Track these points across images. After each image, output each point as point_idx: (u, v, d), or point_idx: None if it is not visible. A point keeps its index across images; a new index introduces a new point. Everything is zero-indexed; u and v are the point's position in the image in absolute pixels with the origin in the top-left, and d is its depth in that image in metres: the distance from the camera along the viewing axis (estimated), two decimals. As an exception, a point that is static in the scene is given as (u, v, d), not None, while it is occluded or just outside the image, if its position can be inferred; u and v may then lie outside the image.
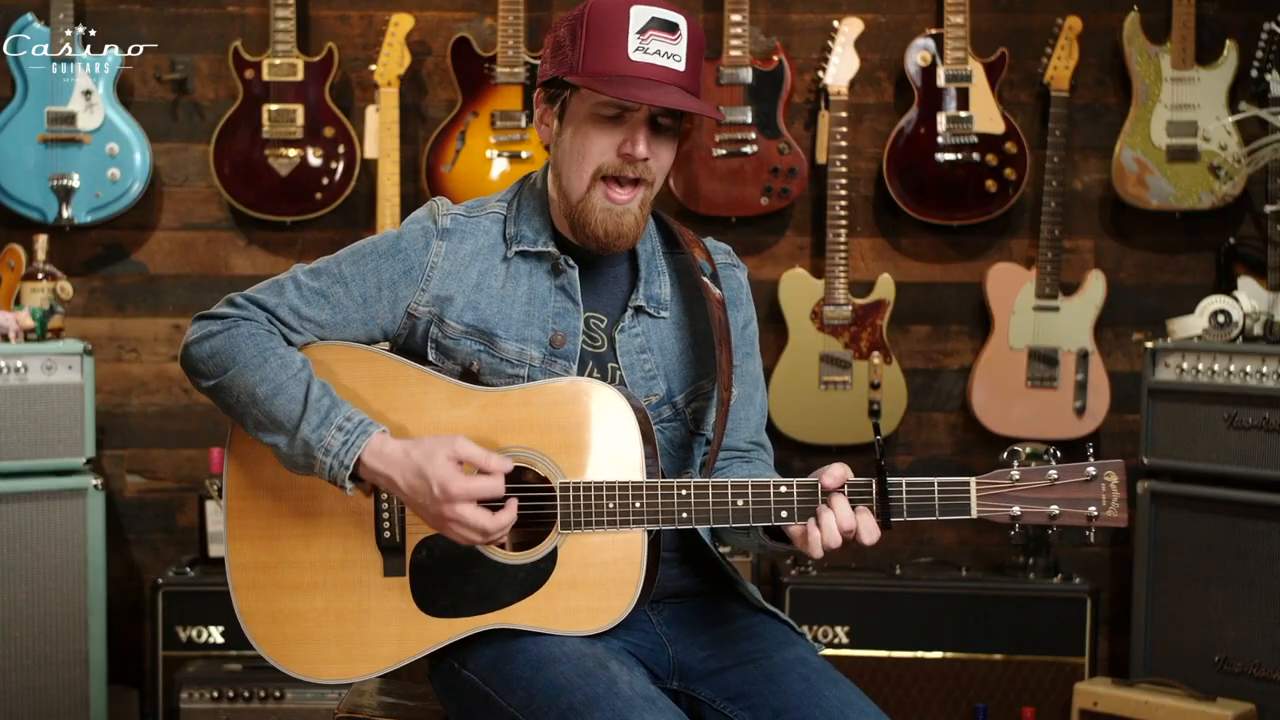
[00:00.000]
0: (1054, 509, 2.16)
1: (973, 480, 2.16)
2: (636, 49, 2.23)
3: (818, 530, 2.16)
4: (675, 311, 2.41)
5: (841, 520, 2.15)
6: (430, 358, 2.36)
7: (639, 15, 2.24)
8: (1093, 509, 2.16)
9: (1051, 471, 2.16)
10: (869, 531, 2.16)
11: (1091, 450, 2.20)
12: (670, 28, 2.25)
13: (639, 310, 2.38)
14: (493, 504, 2.20)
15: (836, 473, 2.16)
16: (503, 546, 2.26)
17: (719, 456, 2.44)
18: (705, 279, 2.39)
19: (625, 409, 2.23)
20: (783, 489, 2.18)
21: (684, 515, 2.20)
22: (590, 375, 2.34)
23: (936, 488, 2.16)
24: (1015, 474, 2.16)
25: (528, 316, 2.34)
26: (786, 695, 2.21)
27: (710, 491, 2.19)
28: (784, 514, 2.18)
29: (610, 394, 2.24)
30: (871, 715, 2.19)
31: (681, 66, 2.25)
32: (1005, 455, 2.19)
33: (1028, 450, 4.27)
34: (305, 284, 2.34)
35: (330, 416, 2.22)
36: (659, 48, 2.24)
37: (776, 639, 2.33)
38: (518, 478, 2.27)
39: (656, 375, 2.37)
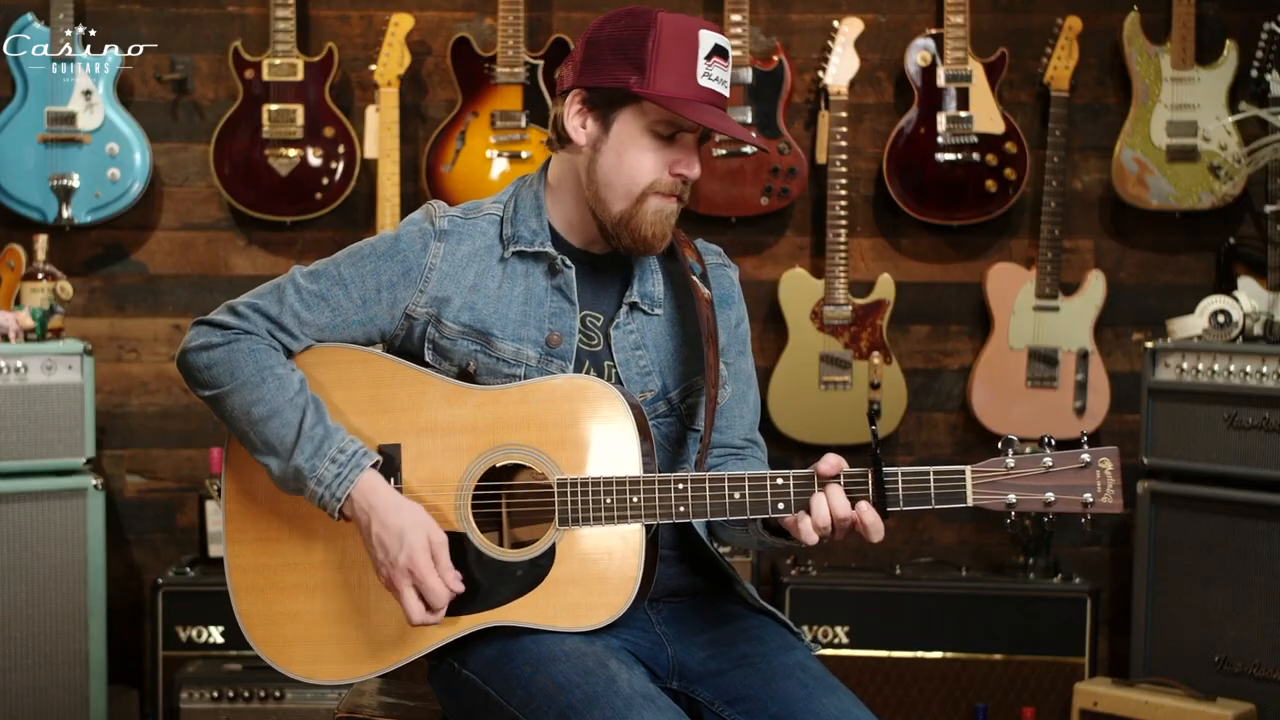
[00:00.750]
0: (1049, 496, 2.16)
1: (968, 468, 2.17)
2: (704, 74, 2.27)
3: (808, 516, 2.16)
4: (668, 309, 2.42)
5: (835, 507, 2.15)
6: (427, 358, 2.36)
7: (706, 41, 2.27)
8: (1088, 495, 2.16)
9: (1046, 459, 2.17)
10: (876, 530, 2.16)
11: (1085, 439, 2.20)
12: (726, 54, 2.30)
13: (633, 307, 2.39)
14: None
15: (831, 461, 2.17)
16: (501, 545, 2.27)
17: (714, 454, 2.45)
18: (695, 278, 2.41)
19: (622, 405, 2.24)
20: (779, 481, 2.18)
21: (681, 509, 2.20)
22: (586, 373, 2.35)
23: (932, 476, 2.16)
24: (1010, 461, 2.17)
25: (524, 316, 2.34)
26: (784, 701, 2.21)
27: (707, 485, 2.19)
28: (780, 506, 2.19)
29: (607, 390, 2.25)
30: (866, 723, 2.20)
31: (728, 91, 2.31)
32: (1000, 444, 2.20)
33: (1028, 450, 4.28)
34: (305, 287, 2.34)
35: (323, 447, 2.24)
36: (719, 74, 2.29)
37: (776, 643, 2.33)
38: (515, 475, 2.28)
39: (651, 372, 2.38)
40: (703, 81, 2.26)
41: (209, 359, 2.31)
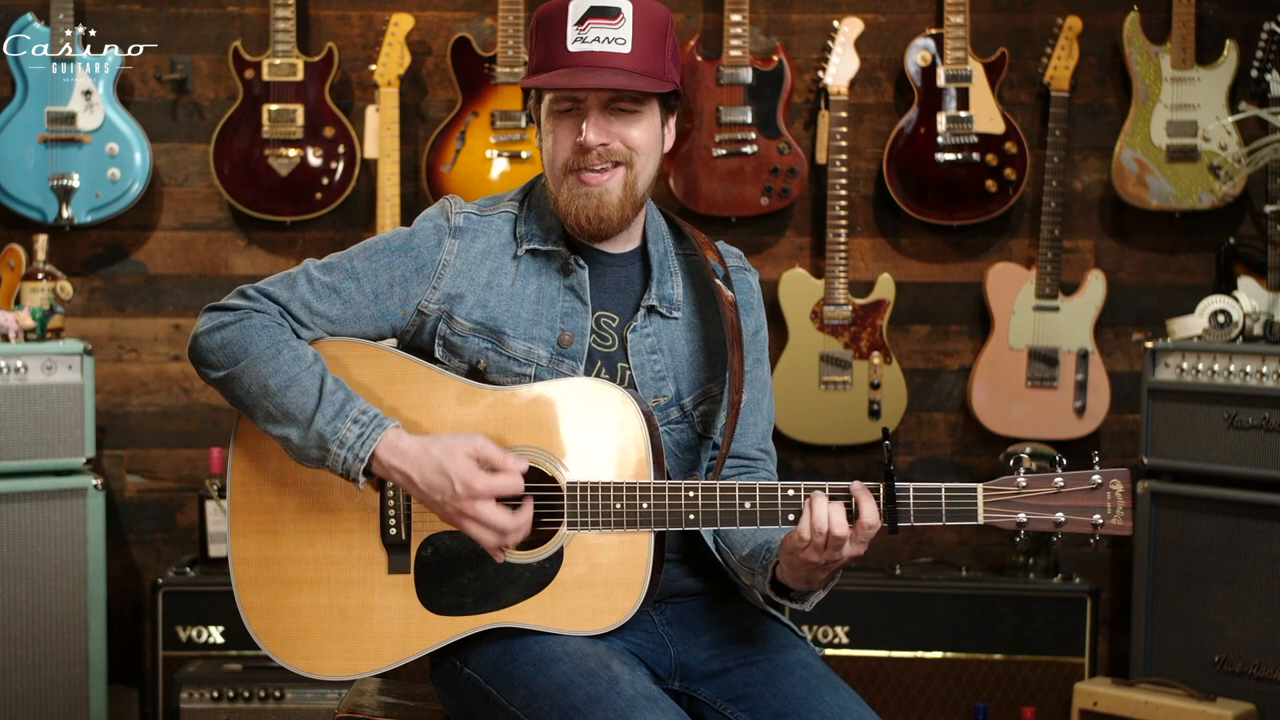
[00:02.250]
0: (1059, 516, 2.17)
1: (980, 487, 2.18)
2: (575, 40, 2.26)
3: (809, 514, 2.15)
4: (687, 313, 2.41)
5: (834, 525, 2.14)
6: (437, 354, 2.36)
7: (577, 7, 2.28)
8: (1098, 517, 2.17)
9: (1058, 479, 2.18)
10: (869, 514, 2.15)
11: (1097, 458, 2.21)
12: (610, 13, 2.27)
13: (651, 310, 2.38)
14: (509, 503, 2.20)
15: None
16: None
17: (726, 464, 2.44)
18: (718, 281, 2.40)
19: (634, 410, 2.24)
20: (790, 492, 2.19)
21: (691, 517, 2.20)
22: (599, 375, 2.34)
23: (944, 494, 2.17)
24: (1022, 481, 2.18)
25: (536, 315, 2.34)
26: (786, 699, 2.21)
27: (718, 494, 2.19)
28: (790, 517, 2.19)
29: (619, 395, 2.25)
30: (869, 721, 2.20)
31: (626, 49, 2.27)
32: (1010, 462, 2.21)
33: (1028, 450, 4.28)
34: (317, 278, 2.34)
35: (345, 409, 2.23)
36: (599, 34, 2.26)
37: (778, 642, 2.33)
38: (525, 476, 2.28)
39: (666, 377, 2.37)
40: (574, 46, 2.26)
41: (222, 338, 2.30)
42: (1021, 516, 2.18)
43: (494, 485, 2.18)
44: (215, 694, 3.89)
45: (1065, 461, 2.21)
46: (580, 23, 2.26)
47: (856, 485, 2.16)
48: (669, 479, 2.28)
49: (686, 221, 2.50)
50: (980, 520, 2.17)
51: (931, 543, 4.60)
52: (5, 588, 3.81)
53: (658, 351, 2.37)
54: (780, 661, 2.28)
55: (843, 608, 4.20)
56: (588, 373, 2.34)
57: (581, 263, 2.36)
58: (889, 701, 4.15)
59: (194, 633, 4.08)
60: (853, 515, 2.15)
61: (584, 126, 2.27)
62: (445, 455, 2.19)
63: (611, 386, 2.26)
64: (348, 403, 2.24)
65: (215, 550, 4.12)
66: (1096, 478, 2.18)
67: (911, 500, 2.17)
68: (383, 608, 2.29)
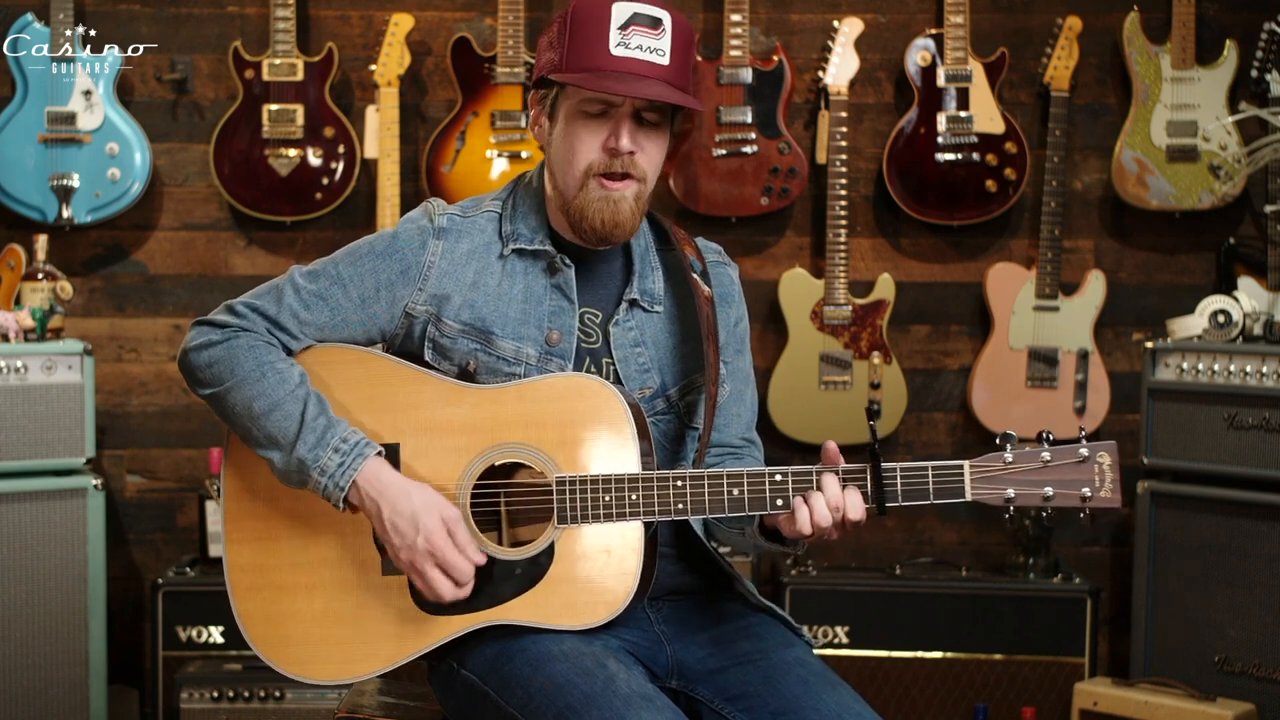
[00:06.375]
0: (1048, 490, 2.17)
1: (966, 463, 2.18)
2: (618, 44, 2.25)
3: (805, 506, 2.17)
4: (668, 306, 2.42)
5: (830, 497, 2.16)
6: (427, 358, 2.36)
7: (621, 11, 2.26)
8: (1086, 490, 2.17)
9: (1045, 453, 2.18)
10: (854, 507, 2.17)
11: (1084, 432, 2.21)
12: (653, 23, 2.27)
13: (633, 304, 2.39)
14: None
15: (831, 448, 2.20)
16: (500, 543, 2.27)
17: (711, 452, 2.45)
18: (695, 276, 2.41)
19: (620, 404, 2.24)
20: (777, 478, 2.19)
21: (680, 506, 2.21)
22: (586, 371, 2.35)
23: (930, 471, 2.17)
24: (1008, 456, 2.18)
25: (524, 315, 2.35)
26: (784, 698, 2.21)
27: (706, 482, 2.20)
28: (779, 503, 2.19)
29: (605, 389, 2.25)
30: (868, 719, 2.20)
31: (665, 61, 2.27)
32: (999, 440, 2.21)
33: (1026, 449, 4.30)
34: (304, 287, 2.35)
35: (326, 437, 2.24)
36: (641, 42, 2.26)
37: (776, 640, 2.33)
38: (513, 473, 2.28)
39: (650, 369, 2.38)
40: (617, 51, 2.25)
41: (209, 357, 2.31)
42: (1010, 492, 2.17)
43: (449, 559, 2.21)
44: (215, 694, 3.89)
45: (1053, 436, 2.21)
46: (624, 27, 2.25)
47: (834, 481, 2.17)
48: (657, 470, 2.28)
49: (667, 219, 2.50)
50: (968, 496, 2.17)
51: (931, 543, 4.60)
52: (5, 588, 3.81)
53: (641, 344, 2.38)
54: (777, 660, 2.28)
55: (843, 608, 4.20)
56: (576, 370, 2.34)
57: (568, 261, 2.37)
58: (889, 701, 4.15)
59: (194, 633, 4.08)
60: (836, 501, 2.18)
61: (620, 131, 2.27)
62: (423, 510, 2.22)
63: (597, 380, 2.27)
64: (329, 430, 2.25)
65: (215, 550, 4.12)
66: (1084, 450, 2.17)
67: (899, 479, 2.17)
68: (378, 609, 2.29)
